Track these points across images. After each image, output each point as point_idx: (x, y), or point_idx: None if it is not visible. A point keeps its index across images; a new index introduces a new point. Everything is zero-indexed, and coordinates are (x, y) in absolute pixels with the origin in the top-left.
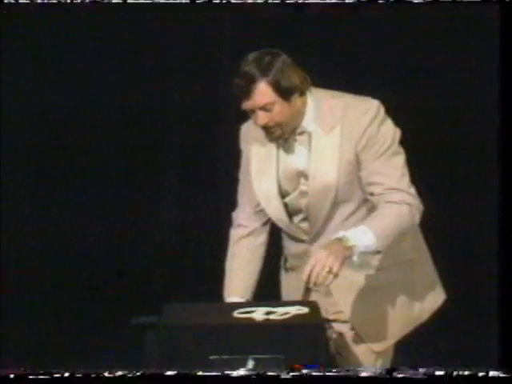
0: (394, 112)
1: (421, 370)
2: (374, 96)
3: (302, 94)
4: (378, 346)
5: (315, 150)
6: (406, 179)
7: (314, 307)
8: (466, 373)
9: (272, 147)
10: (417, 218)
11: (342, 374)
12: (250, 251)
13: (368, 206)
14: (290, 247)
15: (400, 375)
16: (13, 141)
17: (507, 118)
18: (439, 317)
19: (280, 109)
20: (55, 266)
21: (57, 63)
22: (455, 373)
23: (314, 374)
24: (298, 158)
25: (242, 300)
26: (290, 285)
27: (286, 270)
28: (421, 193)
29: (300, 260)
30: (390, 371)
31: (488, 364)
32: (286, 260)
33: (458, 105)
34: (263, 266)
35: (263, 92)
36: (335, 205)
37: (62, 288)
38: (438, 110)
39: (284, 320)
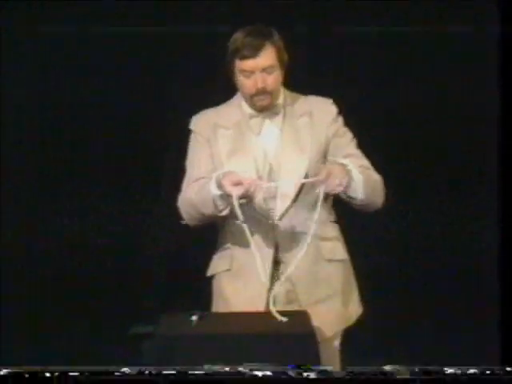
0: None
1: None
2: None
3: (284, 71)
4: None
5: (288, 130)
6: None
7: (305, 317)
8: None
9: (240, 129)
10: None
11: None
12: None
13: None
14: (240, 238)
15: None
16: (13, 141)
17: (507, 118)
18: (442, 315)
19: (277, 75)
20: (54, 275)
21: (56, 65)
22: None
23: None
24: (269, 138)
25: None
26: (239, 293)
27: (234, 276)
28: (421, 195)
29: (249, 256)
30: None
31: (489, 362)
32: (232, 260)
33: (457, 106)
34: None
35: (269, 54)
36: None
37: (60, 298)
38: (437, 111)
39: (277, 329)
